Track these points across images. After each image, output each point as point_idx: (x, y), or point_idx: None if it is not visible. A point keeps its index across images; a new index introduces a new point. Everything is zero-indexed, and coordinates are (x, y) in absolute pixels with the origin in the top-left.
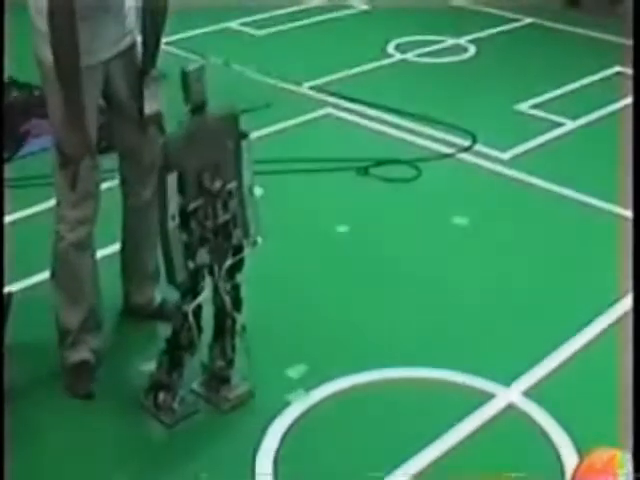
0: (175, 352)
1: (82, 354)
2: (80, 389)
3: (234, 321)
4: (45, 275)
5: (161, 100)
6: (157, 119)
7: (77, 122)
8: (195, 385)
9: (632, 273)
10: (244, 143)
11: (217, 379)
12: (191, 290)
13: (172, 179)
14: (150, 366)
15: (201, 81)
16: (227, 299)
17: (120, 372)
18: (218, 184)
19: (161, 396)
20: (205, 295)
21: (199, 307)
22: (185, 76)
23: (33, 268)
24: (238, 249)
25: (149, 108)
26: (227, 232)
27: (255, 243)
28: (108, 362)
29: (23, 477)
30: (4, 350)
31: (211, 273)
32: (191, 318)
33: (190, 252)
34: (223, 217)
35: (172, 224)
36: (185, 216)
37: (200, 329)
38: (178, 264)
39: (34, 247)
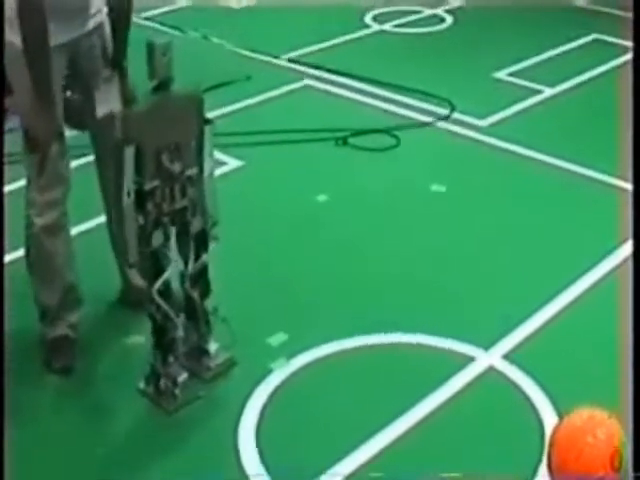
0: (163, 340)
1: (62, 330)
2: (58, 363)
3: (204, 308)
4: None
5: (115, 100)
6: (110, 120)
7: (46, 108)
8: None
9: (632, 231)
10: (207, 129)
11: (196, 350)
12: (154, 271)
13: (129, 153)
14: (135, 339)
15: (167, 56)
16: (194, 294)
17: (105, 345)
18: (178, 166)
19: (162, 382)
20: (169, 273)
21: (165, 284)
22: (151, 48)
23: (14, 243)
24: (199, 237)
25: (101, 110)
26: (184, 220)
27: (216, 238)
28: (92, 335)
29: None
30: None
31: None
32: (157, 298)
33: (145, 235)
34: (181, 202)
35: (127, 200)
36: (141, 196)
37: (172, 304)
38: (131, 244)
39: (15, 223)
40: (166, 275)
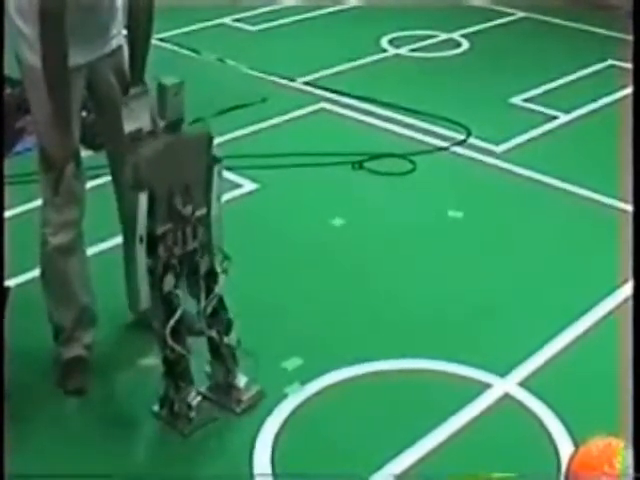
0: (175, 370)
1: (76, 350)
2: (72, 384)
3: (228, 345)
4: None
5: (144, 117)
6: (138, 136)
7: (64, 128)
8: (203, 389)
9: (632, 264)
10: (216, 168)
11: (224, 385)
12: (166, 314)
13: (143, 199)
14: (149, 361)
15: (179, 96)
16: (213, 333)
17: (119, 366)
18: (190, 208)
19: (176, 405)
20: (180, 313)
21: (179, 321)
22: (162, 89)
23: (30, 263)
24: (208, 276)
25: (128, 126)
26: (193, 262)
27: (226, 271)
28: (107, 356)
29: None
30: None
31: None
32: (170, 340)
33: (155, 279)
34: (192, 244)
35: (139, 247)
36: (153, 241)
37: (184, 344)
38: (143, 291)
39: (31, 243)
40: (178, 315)
